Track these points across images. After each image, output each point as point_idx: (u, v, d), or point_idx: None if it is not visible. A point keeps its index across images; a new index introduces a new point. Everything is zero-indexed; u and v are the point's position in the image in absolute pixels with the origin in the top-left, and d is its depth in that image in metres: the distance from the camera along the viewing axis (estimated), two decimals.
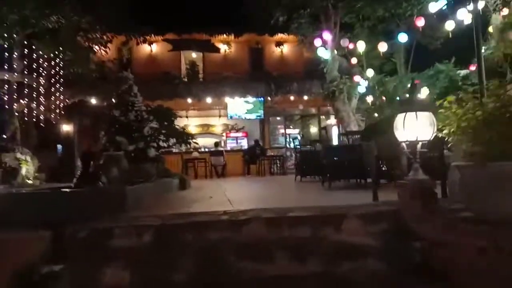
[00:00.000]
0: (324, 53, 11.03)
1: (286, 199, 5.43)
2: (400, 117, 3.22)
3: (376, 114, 9.96)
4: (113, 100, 6.85)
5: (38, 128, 15.57)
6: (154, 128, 7.26)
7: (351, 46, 11.10)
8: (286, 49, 19.14)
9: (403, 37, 10.37)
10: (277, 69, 17.37)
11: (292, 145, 18.26)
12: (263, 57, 19.04)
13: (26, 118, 12.73)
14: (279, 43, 18.95)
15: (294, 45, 19.02)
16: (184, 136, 8.20)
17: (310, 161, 9.01)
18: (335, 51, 11.30)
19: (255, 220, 3.23)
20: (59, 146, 17.38)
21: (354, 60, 11.66)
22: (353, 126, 10.69)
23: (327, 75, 11.19)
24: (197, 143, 8.94)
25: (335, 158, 6.59)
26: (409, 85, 11.03)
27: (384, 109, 9.97)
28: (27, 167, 12.67)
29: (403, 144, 3.29)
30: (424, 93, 10.86)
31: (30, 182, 12.39)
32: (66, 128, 17.39)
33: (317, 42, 10.99)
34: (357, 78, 11.37)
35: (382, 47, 10.58)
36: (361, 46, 10.59)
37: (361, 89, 11.58)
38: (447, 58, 11.71)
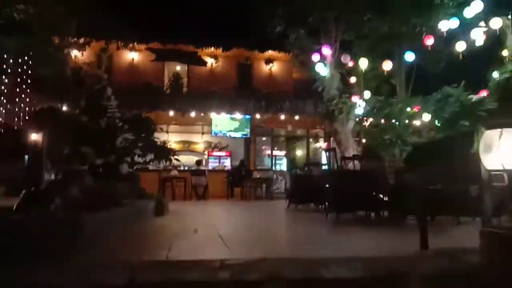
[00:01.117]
0: (322, 69, 10.16)
1: (293, 237, 4.32)
2: (491, 136, 2.20)
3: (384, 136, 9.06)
4: (82, 103, 5.64)
5: (1, 136, 14.10)
6: (129, 139, 6.09)
7: (350, 63, 10.27)
8: (275, 67, 18.33)
9: (410, 56, 9.60)
10: (266, 87, 16.47)
11: (278, 167, 17.29)
12: (252, 74, 18.14)
13: None
14: (268, 60, 18.13)
15: (284, 63, 18.28)
16: (164, 152, 7.04)
17: (305, 186, 7.97)
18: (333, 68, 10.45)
19: (272, 282, 2.11)
20: (26, 157, 15.84)
21: (353, 79, 10.82)
22: (351, 150, 9.76)
23: (324, 93, 10.29)
24: (178, 159, 7.79)
25: (343, 186, 5.56)
26: (413, 109, 10.23)
27: (387, 132, 9.08)
28: None
29: (491, 173, 2.26)
30: (425, 118, 10.09)
31: None
32: (34, 137, 15.89)
33: (315, 57, 10.13)
34: (355, 98, 10.49)
35: (387, 65, 9.78)
36: (363, 63, 9.77)
37: (359, 110, 10.70)
38: (449, 82, 11.05)
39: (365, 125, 10.95)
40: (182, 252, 3.13)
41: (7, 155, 15.18)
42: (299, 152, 19.07)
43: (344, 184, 5.51)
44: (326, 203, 5.96)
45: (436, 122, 9.20)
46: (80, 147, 5.26)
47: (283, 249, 3.31)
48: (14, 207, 3.75)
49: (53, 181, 4.08)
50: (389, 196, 5.53)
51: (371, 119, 10.83)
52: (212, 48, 17.32)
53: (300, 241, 3.96)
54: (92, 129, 5.35)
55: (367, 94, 10.98)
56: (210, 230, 4.53)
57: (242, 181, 12.96)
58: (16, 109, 12.00)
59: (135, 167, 6.95)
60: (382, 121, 10.72)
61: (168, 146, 7.31)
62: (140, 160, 6.75)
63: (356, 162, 8.45)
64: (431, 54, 11.67)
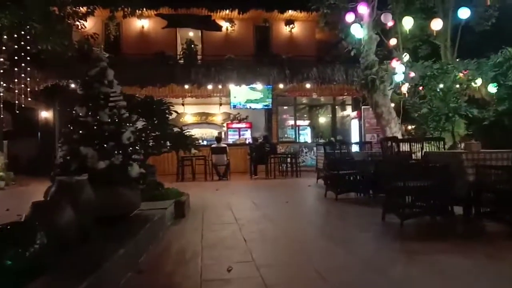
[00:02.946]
0: (358, 31, 8.76)
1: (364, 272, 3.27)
2: None
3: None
4: (78, 91, 4.58)
5: (13, 114, 13.39)
6: (136, 133, 5.05)
7: (390, 23, 8.83)
8: (296, 29, 16.79)
9: (464, 13, 8.09)
10: (286, 51, 15.03)
11: (303, 139, 16.00)
12: (271, 37, 16.69)
13: None
14: (289, 22, 16.59)
15: (306, 24, 16.75)
16: (182, 140, 6.00)
17: (348, 174, 6.87)
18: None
19: None
20: (39, 134, 15.22)
21: (393, 41, 9.40)
22: (394, 126, 8.53)
23: (361, 59, 8.94)
24: (198, 148, 6.80)
25: (408, 182, 4.44)
26: (460, 74, 8.86)
27: (437, 104, 7.80)
28: None
29: None
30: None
31: None
32: (45, 114, 15.12)
33: (349, 17, 8.72)
34: (395, 63, 9.14)
35: (436, 24, 8.32)
36: (408, 23, 8.34)
37: (399, 77, 9.37)
38: (498, 43, 9.54)
39: (405, 95, 9.63)
40: None
41: (19, 133, 14.57)
42: (324, 121, 17.85)
43: (410, 180, 4.39)
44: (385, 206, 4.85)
45: (495, 90, 7.84)
46: (78, 148, 4.25)
47: None
48: None
49: (38, 206, 3.11)
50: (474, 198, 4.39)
51: (408, 88, 9.50)
52: (227, 10, 15.90)
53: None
54: (91, 124, 4.31)
55: (406, 58, 9.63)
56: (240, 247, 3.56)
57: (266, 158, 11.94)
58: (22, 87, 11.12)
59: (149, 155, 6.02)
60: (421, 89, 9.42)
61: (187, 133, 6.21)
62: (155, 151, 5.74)
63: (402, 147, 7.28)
64: (479, 9, 10.14)
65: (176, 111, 6.86)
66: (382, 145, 4.90)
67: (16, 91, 10.96)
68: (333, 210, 5.93)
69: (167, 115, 6.08)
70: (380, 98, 8.51)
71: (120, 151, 4.47)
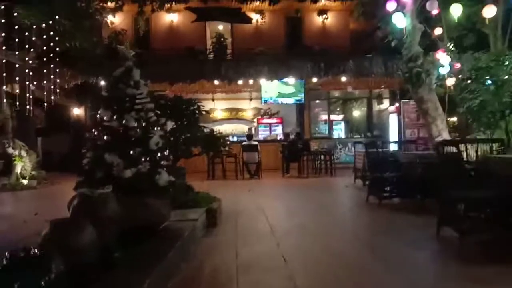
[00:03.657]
0: (400, 20, 8.08)
1: None
2: None
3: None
4: (102, 92, 4.25)
5: (46, 111, 13.53)
6: (167, 133, 4.72)
7: (435, 11, 8.08)
8: (329, 19, 16.05)
9: None
10: (318, 43, 14.37)
11: (337, 134, 15.31)
12: (302, 29, 16.04)
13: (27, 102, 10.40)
14: (322, 11, 15.88)
15: (339, 14, 16.01)
16: (213, 142, 5.62)
17: (392, 175, 6.30)
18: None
19: None
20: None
21: (438, 31, 8.63)
22: (441, 123, 7.81)
23: (404, 50, 8.23)
24: (230, 149, 6.41)
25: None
26: None
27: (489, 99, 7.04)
28: (23, 164, 10.48)
29: None
30: None
31: (25, 182, 10.22)
32: (77, 111, 15.23)
33: (391, 5, 8.04)
34: (441, 55, 8.37)
35: (489, 11, 7.53)
36: (456, 10, 7.58)
37: (444, 69, 8.60)
38: None
39: (450, 88, 8.84)
40: None
41: (52, 130, 14.74)
42: (359, 115, 17.10)
43: (472, 189, 3.82)
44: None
45: None
46: (103, 155, 3.94)
47: None
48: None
49: (57, 226, 2.79)
50: None
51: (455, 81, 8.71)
52: (258, 2, 15.36)
53: None
54: (116, 129, 3.98)
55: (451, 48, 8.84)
56: (285, 282, 3.13)
57: (299, 155, 11.44)
58: (52, 85, 11.10)
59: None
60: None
61: (218, 134, 5.81)
62: (185, 155, 5.39)
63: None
64: None
65: (207, 111, 6.49)
66: (438, 150, 4.33)
67: (45, 89, 10.97)
68: (378, 219, 5.40)
69: (197, 115, 5.71)
70: (425, 93, 7.80)
71: (148, 158, 4.14)
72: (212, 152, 5.64)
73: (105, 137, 4.01)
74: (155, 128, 4.36)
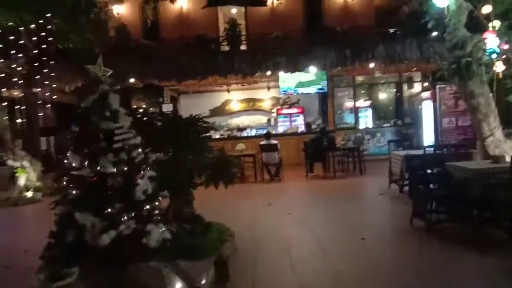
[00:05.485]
0: None
1: None
2: None
3: None
4: (73, 126, 3.26)
5: (56, 112, 12.93)
6: (160, 165, 3.75)
7: None
8: None
9: None
10: (340, 23, 12.90)
11: (364, 124, 13.90)
12: (323, 8, 14.58)
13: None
14: None
15: None
16: (225, 167, 4.59)
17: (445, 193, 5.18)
18: None
19: None
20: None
21: (486, 9, 7.23)
22: (494, 121, 6.53)
23: (447, 35, 6.90)
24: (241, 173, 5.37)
25: None
26: None
27: None
28: (27, 175, 9.77)
29: None
30: None
31: (29, 195, 9.51)
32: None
33: None
34: (489, 36, 7.00)
35: None
36: None
37: (495, 55, 7.23)
38: None
39: (499, 75, 7.47)
40: None
41: (63, 129, 14.15)
42: (387, 100, 15.65)
43: None
44: None
45: None
46: (73, 214, 2.99)
47: None
48: None
49: None
50: None
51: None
52: None
53: None
54: (88, 180, 3.01)
55: (496, 23, 7.42)
56: None
57: (324, 154, 10.33)
58: (54, 86, 10.34)
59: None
60: None
61: (229, 158, 4.80)
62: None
63: None
64: None
65: (215, 128, 5.44)
66: None
67: (49, 90, 10.22)
68: (435, 261, 4.21)
69: (202, 135, 4.66)
70: (476, 86, 6.50)
71: (133, 213, 3.18)
72: (223, 183, 4.57)
73: (73, 191, 3.06)
74: (143, 168, 3.37)
